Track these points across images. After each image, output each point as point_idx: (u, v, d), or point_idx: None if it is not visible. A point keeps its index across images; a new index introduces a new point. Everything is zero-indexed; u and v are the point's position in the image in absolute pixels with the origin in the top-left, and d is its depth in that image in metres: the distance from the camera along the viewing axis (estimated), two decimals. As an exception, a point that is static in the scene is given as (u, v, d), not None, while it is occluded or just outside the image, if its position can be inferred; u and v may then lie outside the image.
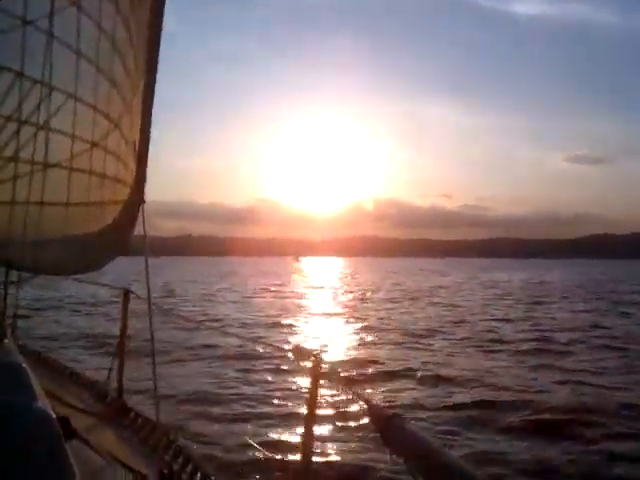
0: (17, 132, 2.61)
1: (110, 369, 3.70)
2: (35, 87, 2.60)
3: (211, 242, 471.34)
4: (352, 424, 7.06)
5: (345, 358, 12.17)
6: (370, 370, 11.01)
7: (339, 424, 7.16)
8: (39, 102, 2.56)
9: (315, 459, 2.30)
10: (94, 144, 2.61)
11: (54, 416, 1.03)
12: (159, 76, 3.03)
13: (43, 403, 1.38)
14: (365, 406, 1.58)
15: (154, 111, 3.08)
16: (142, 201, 2.98)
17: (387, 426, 1.39)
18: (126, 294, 3.47)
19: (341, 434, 6.86)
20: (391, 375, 10.49)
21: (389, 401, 8.57)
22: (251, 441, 5.07)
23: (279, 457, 5.83)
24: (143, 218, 2.95)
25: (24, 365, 1.66)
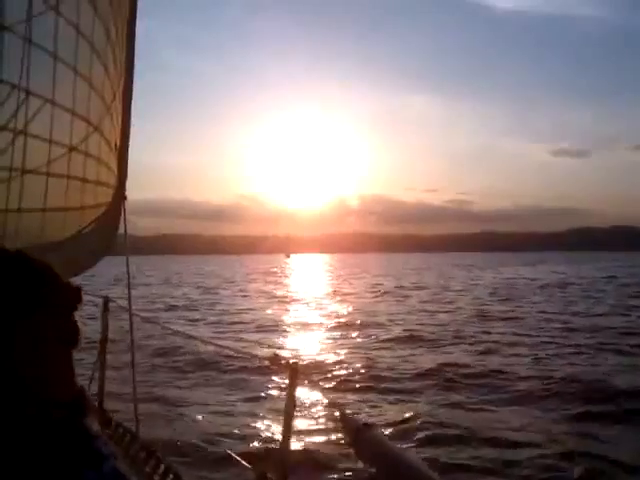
0: (-5, 138, 2.60)
1: (91, 379, 3.65)
2: (13, 92, 2.58)
3: (193, 240, 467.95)
4: (327, 432, 7.10)
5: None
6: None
7: (314, 431, 7.20)
8: (17, 108, 2.54)
9: (291, 466, 2.33)
10: (72, 148, 2.60)
11: None
12: (138, 74, 3.03)
13: None
14: (338, 415, 1.61)
15: (133, 109, 3.09)
16: (124, 198, 2.99)
17: (358, 436, 1.42)
18: (106, 302, 3.43)
19: (316, 442, 6.89)
20: None
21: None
22: (230, 452, 5.07)
23: (257, 464, 5.83)
24: (124, 216, 2.96)
25: None
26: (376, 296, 30.78)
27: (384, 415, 7.85)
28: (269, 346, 13.39)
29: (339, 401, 8.18)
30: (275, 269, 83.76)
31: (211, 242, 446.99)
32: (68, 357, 1.05)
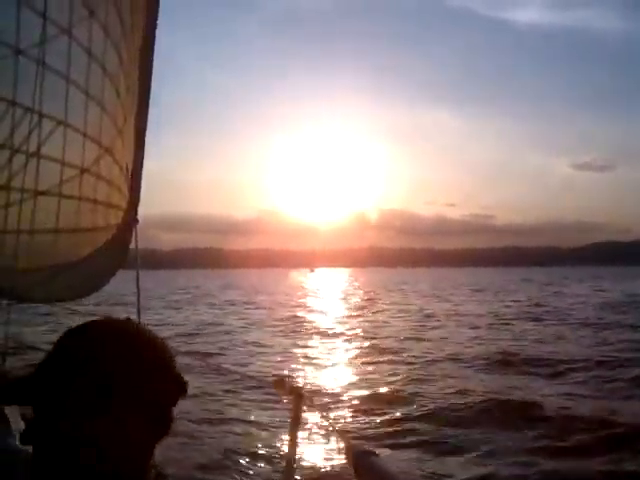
0: (10, 160, 2.64)
1: None
2: (26, 115, 2.62)
3: (214, 254, 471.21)
4: (329, 459, 7.00)
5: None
6: None
7: (318, 459, 7.11)
8: (30, 130, 2.58)
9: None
10: (84, 170, 2.63)
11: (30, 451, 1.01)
12: (156, 84, 3.04)
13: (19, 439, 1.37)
14: (341, 441, 1.57)
15: (151, 121, 3.10)
16: (136, 222, 3.00)
17: (361, 462, 1.38)
18: None
19: (319, 468, 6.81)
20: None
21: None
22: (235, 476, 5.02)
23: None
24: (136, 239, 2.97)
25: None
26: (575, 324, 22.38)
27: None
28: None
29: (342, 427, 8.04)
30: (347, 283, 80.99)
31: (232, 256, 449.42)
32: (152, 447, 1.02)
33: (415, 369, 13.26)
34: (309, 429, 7.23)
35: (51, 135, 2.65)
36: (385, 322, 24.86)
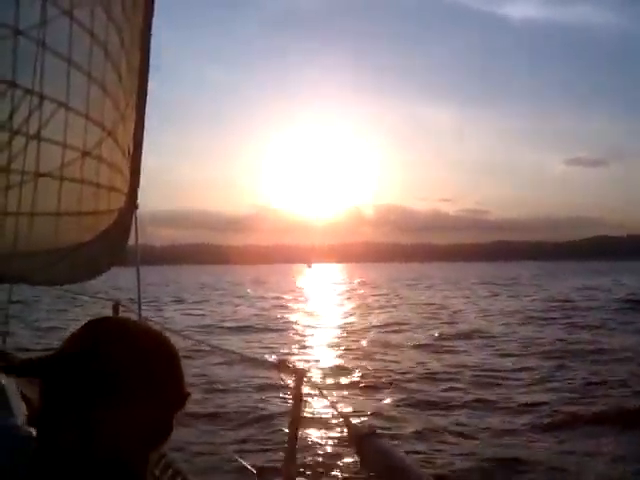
0: (9, 142, 2.60)
1: None
2: (26, 97, 2.58)
3: (210, 250, 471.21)
4: (333, 440, 7.03)
5: None
6: None
7: (320, 440, 7.14)
8: (30, 112, 2.54)
9: (298, 477, 2.30)
10: (86, 153, 2.59)
11: (33, 434, 1.00)
12: (154, 83, 3.03)
13: (21, 420, 1.36)
14: (344, 423, 1.56)
15: (148, 118, 3.09)
16: (135, 207, 2.98)
17: (364, 444, 1.38)
18: (116, 307, 3.40)
19: (322, 451, 6.84)
20: None
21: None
22: (237, 457, 5.04)
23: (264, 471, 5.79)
24: (136, 225, 2.95)
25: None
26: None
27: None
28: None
29: (345, 408, 8.11)
30: (358, 279, 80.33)
31: (227, 252, 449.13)
32: (148, 454, 1.03)
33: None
34: (311, 411, 7.25)
35: (52, 117, 2.61)
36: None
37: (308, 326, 22.60)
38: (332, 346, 17.24)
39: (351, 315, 27.37)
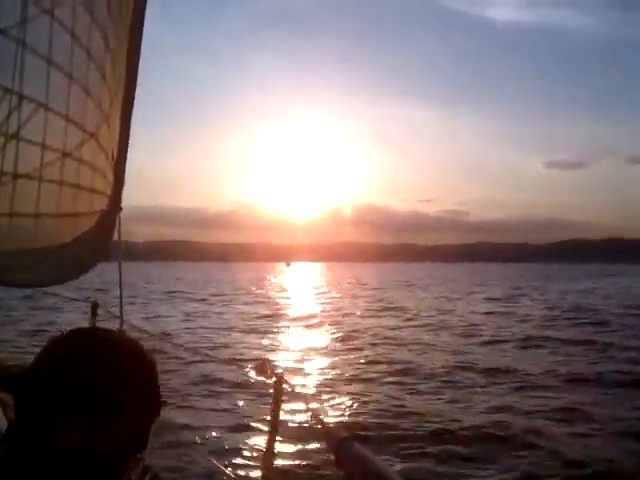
0: (-13, 142, 2.56)
1: None
2: (6, 96, 2.55)
3: (189, 247, 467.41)
4: (311, 444, 7.04)
5: None
6: None
7: (297, 444, 7.14)
8: (9, 111, 2.51)
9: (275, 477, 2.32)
10: (66, 154, 2.57)
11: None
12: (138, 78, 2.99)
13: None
14: (321, 427, 1.58)
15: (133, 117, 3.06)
16: (119, 209, 2.96)
17: (340, 448, 1.39)
18: (94, 308, 3.35)
19: (299, 454, 6.84)
20: None
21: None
22: (213, 460, 5.02)
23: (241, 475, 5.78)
24: (119, 226, 2.94)
25: None
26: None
27: None
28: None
29: (322, 412, 8.12)
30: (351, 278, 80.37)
31: (207, 249, 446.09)
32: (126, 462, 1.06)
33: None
34: (290, 414, 7.24)
35: (32, 117, 2.58)
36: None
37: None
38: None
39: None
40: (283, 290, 50.16)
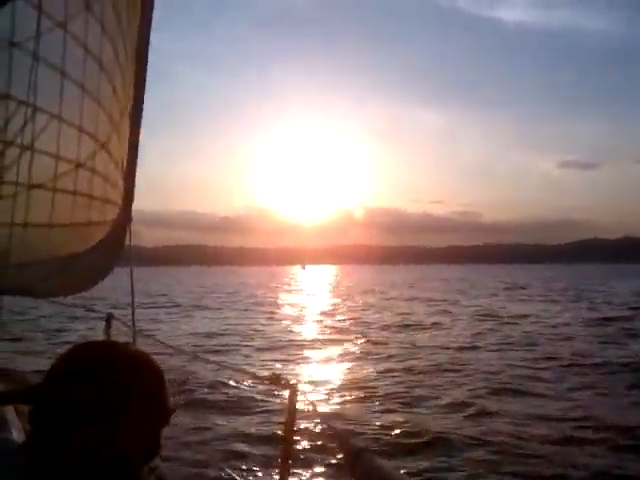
0: (2, 154, 2.62)
1: None
2: (20, 108, 2.60)
3: (203, 252, 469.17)
4: (327, 456, 6.97)
5: None
6: None
7: (313, 455, 7.07)
8: (24, 123, 2.56)
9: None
10: (79, 164, 2.61)
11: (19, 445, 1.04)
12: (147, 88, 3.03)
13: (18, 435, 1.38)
14: (336, 439, 1.58)
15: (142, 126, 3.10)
16: (129, 220, 3.00)
17: (356, 459, 1.39)
18: (109, 320, 3.38)
19: (314, 465, 6.78)
20: None
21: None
22: (229, 470, 5.03)
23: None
24: (129, 237, 2.98)
25: None
26: None
27: None
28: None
29: (339, 423, 8.06)
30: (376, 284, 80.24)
31: (219, 253, 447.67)
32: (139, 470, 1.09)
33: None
34: (306, 426, 7.20)
35: (45, 129, 2.63)
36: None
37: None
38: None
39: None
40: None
